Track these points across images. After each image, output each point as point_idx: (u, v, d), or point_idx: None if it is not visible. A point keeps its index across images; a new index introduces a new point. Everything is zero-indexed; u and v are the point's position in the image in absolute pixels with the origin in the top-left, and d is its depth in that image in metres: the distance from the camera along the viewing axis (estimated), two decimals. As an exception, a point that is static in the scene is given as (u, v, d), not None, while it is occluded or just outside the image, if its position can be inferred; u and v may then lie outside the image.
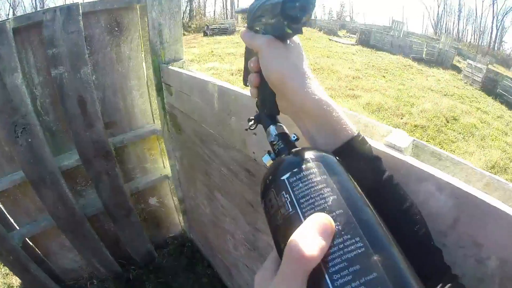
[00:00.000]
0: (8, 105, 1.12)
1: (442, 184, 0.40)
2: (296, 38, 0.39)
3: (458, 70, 10.38)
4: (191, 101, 1.12)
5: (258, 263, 1.10)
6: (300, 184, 0.24)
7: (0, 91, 1.09)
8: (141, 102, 1.50)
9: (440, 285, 0.30)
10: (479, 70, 8.56)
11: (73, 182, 1.48)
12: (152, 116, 1.56)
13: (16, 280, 1.86)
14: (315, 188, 0.23)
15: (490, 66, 8.89)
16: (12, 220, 1.44)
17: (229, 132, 0.93)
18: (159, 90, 1.37)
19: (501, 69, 11.46)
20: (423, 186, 0.42)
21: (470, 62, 9.57)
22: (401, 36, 12.40)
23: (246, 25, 0.43)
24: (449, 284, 0.31)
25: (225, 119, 0.92)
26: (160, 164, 1.70)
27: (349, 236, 0.20)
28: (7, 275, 1.90)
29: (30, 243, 1.54)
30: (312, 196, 0.23)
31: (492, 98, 7.71)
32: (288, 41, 0.38)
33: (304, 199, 0.23)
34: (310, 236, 0.20)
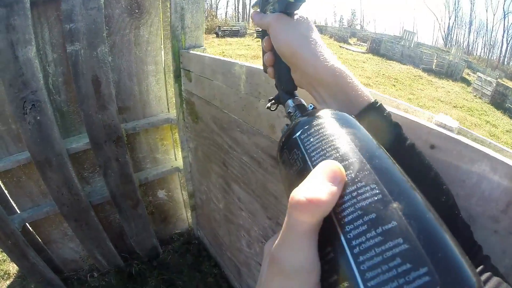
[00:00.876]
0: (19, 79, 1.05)
1: (497, 164, 0.38)
2: (305, 14, 0.40)
3: (467, 82, 10.29)
4: (213, 86, 1.05)
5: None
6: (311, 139, 0.23)
7: (12, 64, 1.03)
8: (157, 88, 1.44)
9: (481, 267, 0.28)
10: (488, 83, 8.49)
11: (80, 168, 1.42)
12: (167, 104, 1.50)
13: (13, 268, 1.79)
14: (326, 140, 0.22)
15: (499, 80, 8.79)
16: (13, 203, 1.38)
17: (256, 116, 0.86)
18: (177, 77, 1.31)
19: (510, 84, 11.34)
20: (476, 167, 0.40)
21: (480, 75, 9.47)
22: (412, 46, 12.33)
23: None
24: (484, 264, 0.28)
25: (252, 103, 0.85)
26: (172, 155, 1.63)
27: (363, 183, 0.18)
28: (4, 261, 1.83)
29: (31, 229, 1.47)
30: (323, 148, 0.21)
31: (501, 112, 7.63)
32: (297, 16, 0.39)
33: (314, 152, 0.21)
34: (318, 182, 0.17)
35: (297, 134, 0.24)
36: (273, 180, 0.86)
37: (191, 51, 1.19)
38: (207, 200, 1.46)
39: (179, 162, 1.60)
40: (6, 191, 1.35)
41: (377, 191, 0.17)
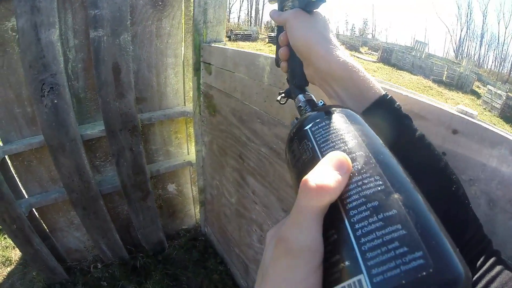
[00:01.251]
0: (40, 61, 1.05)
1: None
2: (322, 12, 0.41)
3: (477, 95, 10.22)
4: (234, 78, 1.04)
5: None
6: (322, 131, 0.24)
7: (34, 46, 1.03)
8: (175, 81, 1.43)
9: (484, 256, 0.28)
10: (498, 96, 8.44)
11: (92, 156, 1.41)
12: (184, 98, 1.49)
13: (15, 255, 1.78)
14: (336, 133, 0.23)
15: (509, 94, 8.75)
16: (21, 187, 1.37)
17: (278, 107, 0.86)
18: (197, 70, 1.31)
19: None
20: (496, 151, 0.41)
21: (491, 88, 9.41)
22: (423, 57, 12.28)
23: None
24: (494, 258, 0.28)
25: (276, 94, 0.84)
26: (185, 149, 1.62)
27: (368, 175, 0.19)
28: (6, 247, 1.82)
29: (37, 215, 1.45)
30: (332, 140, 0.23)
31: (510, 125, 7.57)
32: (315, 14, 0.39)
33: (324, 143, 0.23)
34: (326, 170, 0.19)
35: (309, 126, 0.26)
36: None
37: (213, 44, 1.19)
38: (218, 195, 1.44)
39: (192, 156, 1.59)
40: (15, 175, 1.34)
41: (380, 183, 0.18)
